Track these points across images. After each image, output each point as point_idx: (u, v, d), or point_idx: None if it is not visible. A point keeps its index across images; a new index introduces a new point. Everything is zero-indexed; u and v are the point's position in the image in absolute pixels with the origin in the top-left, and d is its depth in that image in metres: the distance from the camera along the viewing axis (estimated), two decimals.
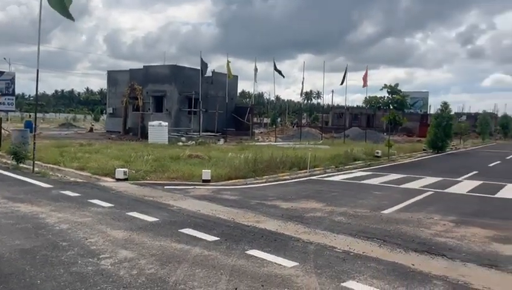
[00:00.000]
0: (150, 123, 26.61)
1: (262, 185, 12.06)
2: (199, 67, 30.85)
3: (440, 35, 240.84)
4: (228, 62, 31.39)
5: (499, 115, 74.79)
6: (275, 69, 33.71)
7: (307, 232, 6.80)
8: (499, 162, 22.39)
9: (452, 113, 32.32)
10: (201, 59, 30.55)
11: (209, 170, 12.16)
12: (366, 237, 6.59)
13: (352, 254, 5.75)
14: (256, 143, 28.91)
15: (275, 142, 32.07)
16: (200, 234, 6.43)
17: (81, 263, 4.99)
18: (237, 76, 37.60)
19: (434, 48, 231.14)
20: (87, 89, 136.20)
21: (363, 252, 5.81)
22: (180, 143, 24.89)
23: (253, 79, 34.19)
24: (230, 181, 12.23)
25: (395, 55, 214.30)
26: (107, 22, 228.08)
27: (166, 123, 26.52)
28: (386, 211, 8.65)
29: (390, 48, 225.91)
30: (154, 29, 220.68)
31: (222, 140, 29.03)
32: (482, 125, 48.94)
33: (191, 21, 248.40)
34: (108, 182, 11.21)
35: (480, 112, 69.54)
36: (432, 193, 11.25)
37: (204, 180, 11.70)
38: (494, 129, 61.10)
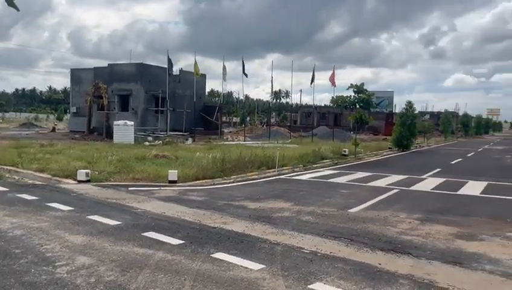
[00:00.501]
0: (115, 122, 25.93)
1: (230, 185, 11.89)
2: (166, 66, 30.31)
3: (404, 36, 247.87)
4: (196, 61, 31.00)
5: (460, 113, 77.52)
6: (243, 69, 33.58)
7: (274, 233, 6.69)
8: (460, 159, 23.08)
9: (416, 112, 33.17)
10: (168, 57, 30.04)
11: (176, 171, 11.89)
12: (334, 237, 6.55)
13: (319, 254, 5.68)
14: (225, 142, 28.70)
15: (244, 141, 31.93)
16: (164, 237, 6.21)
17: (35, 272, 4.69)
18: (205, 75, 37.24)
19: (398, 49, 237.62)
20: (50, 87, 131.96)
21: (330, 252, 5.75)
22: (147, 143, 24.37)
23: (222, 78, 33.86)
24: (197, 181, 12.00)
25: (362, 55, 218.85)
26: (71, 18, 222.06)
27: (132, 122, 25.91)
28: (353, 210, 8.67)
29: (356, 48, 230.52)
30: (120, 27, 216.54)
31: (190, 139, 28.64)
32: (445, 124, 50.47)
33: (158, 19, 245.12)
34: (69, 184, 10.77)
35: (443, 111, 71.78)
36: (397, 190, 11.40)
37: (170, 181, 11.42)
38: (455, 128, 63.14)
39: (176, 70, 33.15)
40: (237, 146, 23.67)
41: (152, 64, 33.24)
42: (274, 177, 13.67)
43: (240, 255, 5.48)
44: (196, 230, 6.73)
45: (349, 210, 8.64)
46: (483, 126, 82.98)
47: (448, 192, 11.38)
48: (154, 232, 6.44)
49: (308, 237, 6.49)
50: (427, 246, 6.15)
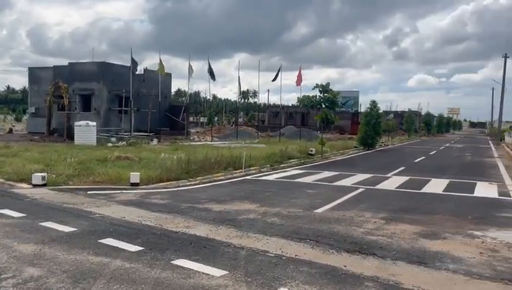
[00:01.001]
0: (77, 123, 25.03)
1: (195, 187, 11.61)
2: (130, 65, 29.55)
3: (369, 37, 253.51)
4: (160, 59, 30.39)
5: (423, 113, 79.82)
6: (209, 69, 33.18)
7: (239, 236, 6.50)
8: (423, 157, 23.62)
9: (381, 111, 33.75)
10: (132, 56, 29.31)
11: (138, 173, 11.51)
12: (299, 239, 6.42)
13: (284, 257, 5.53)
14: (192, 143, 28.29)
15: (211, 141, 31.60)
16: (122, 244, 5.90)
17: None
18: (171, 74, 36.63)
19: (363, 49, 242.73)
20: (8, 87, 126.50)
21: (295, 255, 5.61)
22: (110, 144, 23.65)
23: (188, 77, 33.37)
24: (161, 184, 11.65)
25: (328, 55, 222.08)
26: (31, 15, 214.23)
27: (95, 123, 25.09)
28: (319, 210, 8.59)
29: (323, 48, 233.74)
30: (83, 25, 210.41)
31: (155, 140, 28.06)
32: (408, 123, 51.79)
33: (123, 17, 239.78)
34: (23, 188, 10.20)
35: (406, 110, 73.66)
36: (363, 189, 11.44)
37: (132, 184, 11.04)
38: (418, 126, 64.90)
39: (140, 69, 32.44)
40: (204, 146, 23.36)
41: (115, 63, 32.35)
42: (241, 178, 13.48)
43: (202, 261, 5.25)
44: (157, 235, 6.44)
45: (315, 211, 8.55)
46: (444, 125, 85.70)
47: (412, 190, 11.52)
48: (112, 239, 6.11)
49: (274, 240, 6.33)
50: (392, 246, 6.11)
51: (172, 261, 5.23)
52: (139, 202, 9.02)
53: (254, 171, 15.15)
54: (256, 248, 5.90)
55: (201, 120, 69.51)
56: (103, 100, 29.60)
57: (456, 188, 12.02)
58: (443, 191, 11.50)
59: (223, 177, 13.43)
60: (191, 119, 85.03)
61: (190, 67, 32.10)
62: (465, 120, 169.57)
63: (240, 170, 14.74)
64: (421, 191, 11.51)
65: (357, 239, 6.47)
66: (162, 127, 31.27)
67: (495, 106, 71.72)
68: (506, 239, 6.59)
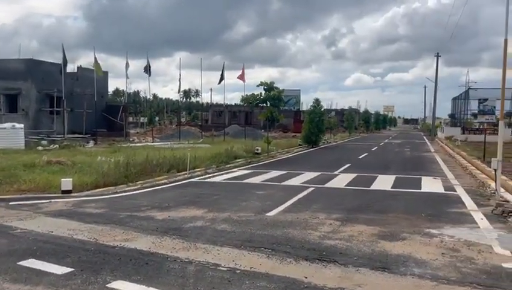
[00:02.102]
0: (1, 126, 22.80)
1: (135, 192, 10.69)
2: (61, 62, 27.53)
3: (308, 37, 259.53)
4: (95, 57, 28.62)
5: (361, 110, 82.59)
6: (146, 67, 31.80)
7: (186, 248, 5.81)
8: (366, 154, 24.02)
9: (323, 109, 34.15)
10: (64, 53, 27.32)
11: (71, 178, 10.39)
12: (253, 248, 5.85)
13: (238, 271, 4.93)
14: (131, 144, 26.84)
15: (152, 142, 30.28)
16: (47, 265, 5.01)
17: None
18: (107, 72, 34.72)
19: (303, 49, 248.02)
20: None
21: (251, 268, 5.03)
22: (40, 147, 21.76)
23: (126, 75, 31.77)
24: (97, 190, 10.62)
25: (269, 55, 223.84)
26: None
27: (22, 125, 22.97)
28: (271, 213, 8.08)
29: (264, 48, 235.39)
30: (10, 21, 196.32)
31: (92, 142, 26.33)
32: (349, 120, 53.09)
33: (55, 13, 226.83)
34: None
35: (345, 108, 75.87)
36: (313, 188, 11.11)
37: (64, 191, 9.93)
38: (358, 124, 66.92)
39: (73, 67, 30.41)
40: (144, 148, 22.18)
41: (44, 60, 30.02)
42: (185, 181, 12.70)
43: (144, 282, 4.53)
44: (90, 252, 5.59)
45: (267, 214, 8.03)
46: (381, 122, 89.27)
47: (362, 188, 11.37)
48: (35, 260, 5.20)
49: (225, 250, 5.71)
50: (352, 251, 5.71)
51: (108, 285, 4.46)
52: (70, 213, 8.02)
53: (199, 173, 14.41)
54: (206, 262, 5.25)
55: (141, 120, 67.09)
56: (32, 100, 27.33)
57: (403, 184, 12.05)
58: (392, 187, 11.46)
59: (166, 181, 12.58)
60: (131, 119, 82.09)
61: (127, 64, 30.56)
62: (399, 117, 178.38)
63: (184, 172, 13.95)
64: (371, 188, 11.39)
65: (315, 244, 6.02)
66: (98, 128, 29.47)
67: (427, 103, 75.66)
68: (463, 236, 6.44)
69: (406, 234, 6.60)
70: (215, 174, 14.42)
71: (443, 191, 10.93)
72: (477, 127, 45.66)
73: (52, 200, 9.12)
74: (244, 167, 16.75)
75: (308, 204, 9.03)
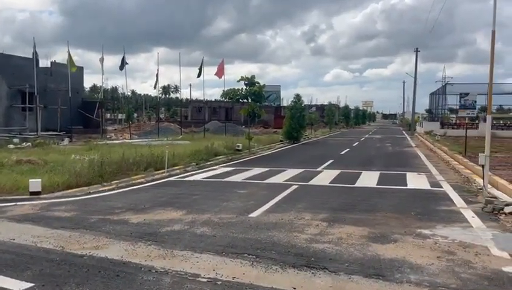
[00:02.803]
0: None
1: (110, 193, 10.10)
2: (33, 57, 26.45)
3: (288, 33, 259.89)
4: (69, 52, 27.61)
5: (341, 106, 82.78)
6: (122, 61, 30.91)
7: (162, 256, 5.31)
8: (348, 149, 23.80)
9: (304, 104, 33.88)
10: (34, 47, 26.26)
11: (40, 179, 9.74)
12: (236, 254, 5.39)
13: (220, 282, 4.47)
14: (108, 142, 26.02)
15: (130, 139, 29.48)
16: (4, 280, 4.46)
17: None
18: (82, 67, 33.68)
19: (283, 45, 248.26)
20: None
21: (233, 278, 4.57)
22: (12, 146, 20.80)
23: (102, 70, 30.81)
24: (69, 191, 10.00)
25: (249, 50, 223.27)
26: None
27: None
28: (254, 214, 7.63)
29: (243, 43, 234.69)
30: None
31: (67, 140, 25.45)
32: (329, 115, 53.03)
33: (29, 8, 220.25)
34: None
35: (325, 103, 75.82)
36: (297, 186, 10.71)
37: (32, 193, 9.29)
38: (338, 119, 67.02)
39: (49, 63, 29.30)
40: (122, 145, 21.47)
41: (15, 55, 28.82)
42: (163, 180, 12.14)
43: None
44: (55, 263, 5.04)
45: (249, 215, 7.57)
46: (361, 117, 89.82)
47: (347, 185, 11.02)
48: None
49: (205, 258, 5.24)
50: (343, 256, 5.31)
51: None
52: (37, 217, 7.41)
53: (178, 171, 13.87)
54: (184, 272, 4.76)
55: (119, 117, 65.73)
56: (2, 96, 26.24)
57: (388, 180, 11.77)
58: (377, 184, 11.14)
59: (143, 180, 12.01)
60: (108, 116, 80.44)
61: (102, 58, 29.62)
62: (377, 112, 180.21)
63: (163, 171, 13.39)
64: (356, 185, 11.06)
65: (302, 249, 5.59)
66: (74, 126, 28.51)
67: (406, 98, 76.32)
68: (457, 237, 6.11)
69: (397, 235, 6.24)
70: (195, 172, 13.89)
71: (429, 187, 10.68)
72: (454, 121, 46.20)
73: (18, 203, 8.48)
74: (225, 164, 16.26)
75: (292, 203, 8.61)
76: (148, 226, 6.80)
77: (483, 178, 9.57)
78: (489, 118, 9.78)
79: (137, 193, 10.10)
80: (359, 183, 11.37)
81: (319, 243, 5.87)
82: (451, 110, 49.65)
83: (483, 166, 9.50)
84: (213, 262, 5.09)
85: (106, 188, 10.66)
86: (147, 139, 27.11)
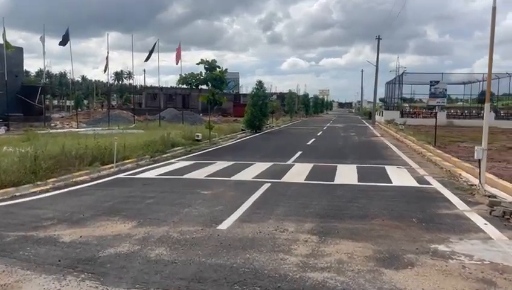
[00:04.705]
0: None
1: (42, 196, 8.24)
2: None
3: (245, 21, 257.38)
4: (4, 31, 24.60)
5: (299, 94, 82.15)
6: (65, 38, 28.11)
7: None
8: (314, 139, 22.63)
9: (267, 92, 32.51)
10: None
11: None
12: None
13: None
14: (51, 131, 23.47)
15: (77, 128, 26.95)
16: None
17: None
18: (21, 48, 30.49)
19: (240, 32, 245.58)
20: None
21: None
22: None
23: (43, 52, 27.89)
24: None
25: (206, 37, 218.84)
26: None
27: None
28: (224, 225, 6.08)
29: (200, 30, 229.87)
30: None
31: (3, 128, 22.77)
32: (289, 104, 52.01)
33: None
34: None
35: (284, 92, 74.92)
36: (269, 184, 9.23)
37: None
38: (298, 107, 66.28)
39: None
40: (66, 135, 19.19)
41: None
42: (111, 177, 10.33)
43: None
44: None
45: (218, 227, 6.03)
46: (319, 105, 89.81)
47: (325, 182, 9.67)
48: None
49: None
50: None
51: None
52: None
53: (130, 166, 12.07)
54: None
55: (67, 104, 61.75)
56: None
57: (369, 176, 10.54)
58: (359, 181, 9.84)
59: (86, 177, 10.17)
60: (56, 103, 75.68)
61: (43, 37, 26.72)
62: (333, 101, 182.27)
63: (111, 165, 11.54)
64: (335, 182, 9.73)
65: (296, 282, 4.13)
66: (12, 113, 25.62)
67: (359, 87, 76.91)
68: (482, 256, 4.87)
69: (411, 254, 4.91)
70: (149, 167, 12.12)
71: (417, 184, 9.52)
72: (408, 110, 46.54)
73: None
74: (184, 157, 14.55)
75: (268, 208, 7.13)
76: (85, 248, 5.11)
77: (479, 174, 8.52)
78: (487, 106, 8.68)
79: (77, 195, 8.27)
80: (338, 179, 10.06)
81: (316, 270, 4.43)
82: (405, 100, 50.19)
83: (479, 160, 8.44)
84: None
85: (39, 189, 8.77)
86: (95, 128, 24.77)
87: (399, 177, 10.37)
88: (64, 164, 10.92)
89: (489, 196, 7.96)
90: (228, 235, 5.64)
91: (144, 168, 11.90)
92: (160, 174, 10.76)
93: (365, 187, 9.10)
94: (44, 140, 15.82)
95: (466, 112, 47.04)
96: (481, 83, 46.90)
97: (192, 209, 7.08)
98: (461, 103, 57.45)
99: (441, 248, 5.14)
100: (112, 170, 11.25)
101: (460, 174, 10.59)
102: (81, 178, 10.04)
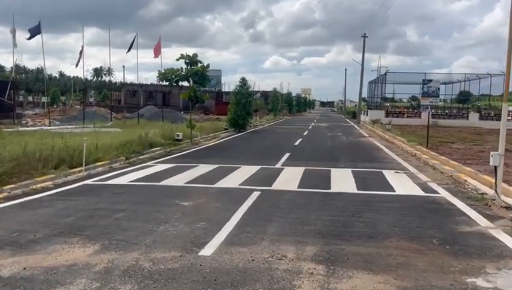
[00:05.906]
0: None
1: None
2: None
3: (227, 19, 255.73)
4: None
5: (282, 92, 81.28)
6: (35, 29, 26.47)
7: None
8: (300, 139, 21.60)
9: (251, 89, 31.44)
10: None
11: None
12: None
13: None
14: (20, 128, 21.90)
15: (49, 126, 25.35)
16: None
17: None
18: None
19: (222, 30, 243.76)
20: None
21: None
22: None
23: (14, 45, 26.15)
24: None
25: (187, 34, 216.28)
26: None
27: None
28: (207, 251, 4.95)
29: (182, 27, 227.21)
30: None
31: None
32: (274, 102, 51.01)
33: None
34: None
35: (266, 90, 73.87)
36: (259, 193, 8.13)
37: None
38: (281, 106, 65.36)
39: None
40: (35, 133, 17.76)
41: None
42: (78, 184, 9.07)
43: None
44: None
45: (201, 252, 4.90)
46: (302, 104, 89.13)
47: (321, 190, 8.61)
48: None
49: None
50: None
51: None
52: None
53: (101, 169, 10.82)
54: None
55: (42, 100, 59.43)
56: None
57: (368, 182, 9.55)
58: (358, 189, 8.79)
59: (50, 184, 8.90)
60: (30, 99, 73.01)
61: (13, 30, 25.00)
62: (315, 100, 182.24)
63: (80, 169, 10.28)
64: (332, 190, 8.68)
65: None
66: None
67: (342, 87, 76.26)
68: None
69: None
70: (123, 170, 10.88)
71: (423, 193, 8.54)
72: (391, 110, 46.07)
73: None
74: (163, 158, 13.34)
75: (260, 225, 6.03)
76: (28, 286, 3.91)
77: (495, 183, 7.58)
78: (505, 105, 7.76)
79: (33, 207, 7.01)
80: (335, 187, 9.01)
81: None
82: (386, 99, 49.82)
83: (495, 167, 7.51)
84: None
85: None
86: (69, 126, 23.28)
87: (401, 184, 9.38)
88: (25, 167, 9.65)
89: (506, 207, 7.07)
90: (213, 264, 4.52)
91: (117, 172, 10.65)
92: (134, 180, 9.53)
93: (367, 197, 8.08)
94: (9, 139, 14.43)
95: (447, 111, 46.83)
96: (461, 83, 47.20)
97: (169, 226, 5.92)
98: (442, 103, 57.57)
99: (480, 283, 4.13)
100: (81, 174, 10.00)
101: (465, 181, 9.70)
102: (43, 184, 8.76)
